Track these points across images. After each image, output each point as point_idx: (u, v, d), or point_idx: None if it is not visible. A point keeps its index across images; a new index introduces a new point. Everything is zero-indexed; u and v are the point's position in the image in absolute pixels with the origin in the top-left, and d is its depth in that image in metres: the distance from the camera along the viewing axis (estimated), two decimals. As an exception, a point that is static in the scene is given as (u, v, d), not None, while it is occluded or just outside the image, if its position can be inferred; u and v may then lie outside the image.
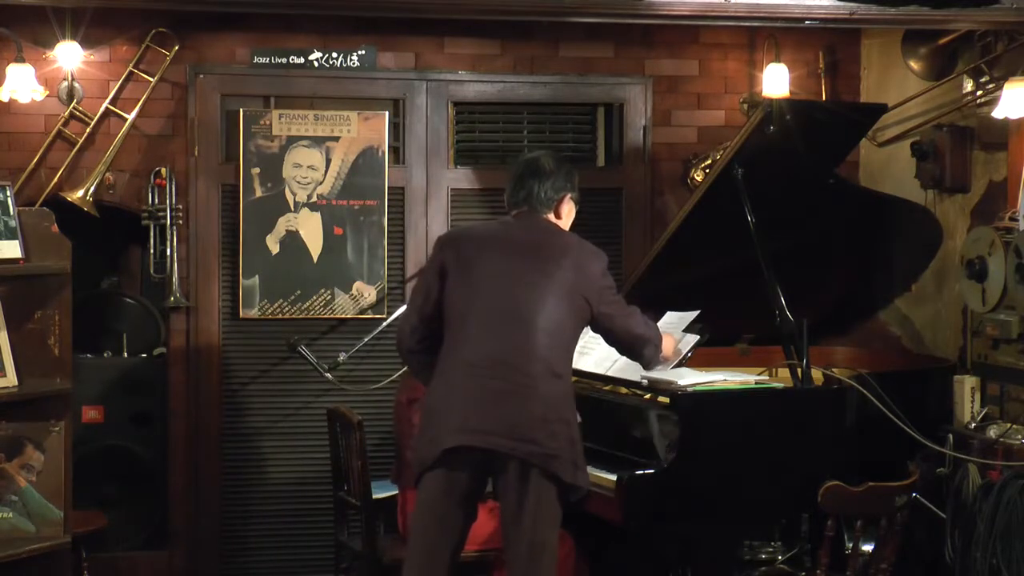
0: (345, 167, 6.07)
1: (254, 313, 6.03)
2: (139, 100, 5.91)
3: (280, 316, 6.04)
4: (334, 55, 6.07)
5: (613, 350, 4.63)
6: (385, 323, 5.98)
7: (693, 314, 4.86)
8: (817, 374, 4.87)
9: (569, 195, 4.47)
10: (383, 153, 6.09)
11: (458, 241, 4.42)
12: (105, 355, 6.12)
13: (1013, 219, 5.33)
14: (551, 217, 4.43)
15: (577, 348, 4.45)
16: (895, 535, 4.39)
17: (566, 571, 4.91)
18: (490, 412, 4.14)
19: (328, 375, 5.93)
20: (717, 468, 4.50)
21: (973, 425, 5.32)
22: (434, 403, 4.26)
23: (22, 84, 5.58)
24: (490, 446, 4.13)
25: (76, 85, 5.88)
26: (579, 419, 4.32)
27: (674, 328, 4.90)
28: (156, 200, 5.95)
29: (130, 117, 5.90)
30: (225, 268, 6.03)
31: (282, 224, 6.04)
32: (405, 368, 5.94)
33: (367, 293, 6.09)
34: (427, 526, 4.25)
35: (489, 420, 4.13)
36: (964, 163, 5.82)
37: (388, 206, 6.10)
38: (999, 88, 5.37)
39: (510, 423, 4.12)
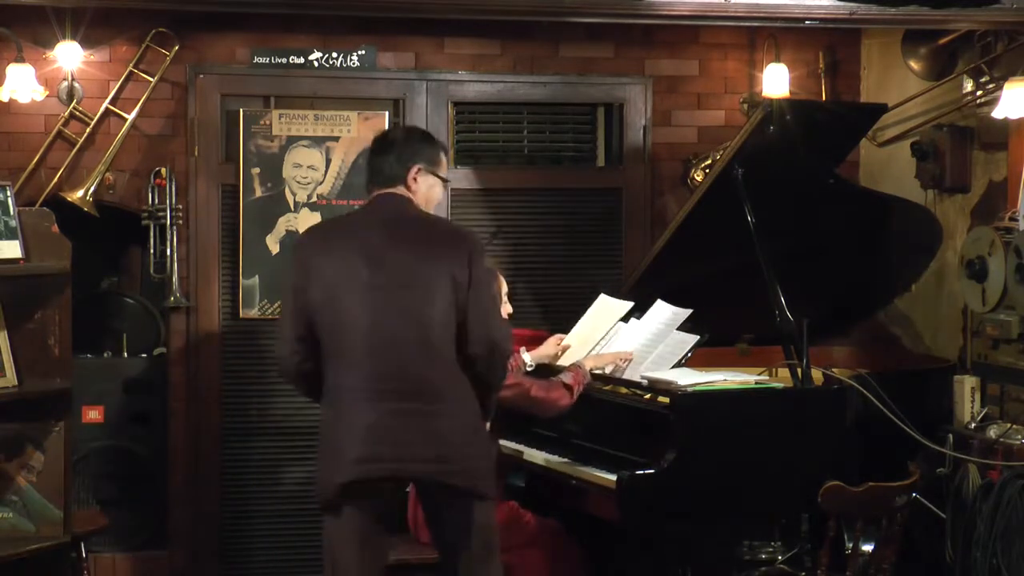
0: (345, 167, 6.07)
1: (254, 313, 6.03)
2: (139, 100, 5.91)
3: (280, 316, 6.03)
4: (334, 55, 6.07)
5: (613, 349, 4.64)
6: (385, 323, 5.97)
7: (686, 312, 4.86)
8: (817, 374, 4.87)
9: (420, 167, 4.20)
10: (383, 153, 6.08)
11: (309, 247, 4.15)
12: (105, 355, 6.12)
13: (1013, 219, 5.34)
14: (402, 192, 4.18)
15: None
16: (895, 535, 4.40)
17: (568, 571, 4.92)
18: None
19: (328, 375, 5.92)
20: (717, 468, 4.50)
21: (973, 425, 5.32)
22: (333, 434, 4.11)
23: (22, 84, 5.57)
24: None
25: (76, 85, 5.88)
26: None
27: (667, 327, 4.91)
28: (156, 200, 5.95)
29: (130, 117, 5.90)
30: (225, 268, 6.03)
31: (282, 224, 6.04)
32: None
33: (367, 293, 6.08)
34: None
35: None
36: (964, 163, 5.83)
37: (388, 206, 6.09)
38: (999, 88, 5.37)
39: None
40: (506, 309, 5.06)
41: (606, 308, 5.21)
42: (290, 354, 4.11)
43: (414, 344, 3.96)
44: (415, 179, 4.17)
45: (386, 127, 6.07)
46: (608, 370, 4.98)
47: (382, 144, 4.22)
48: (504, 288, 5.05)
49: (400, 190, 4.16)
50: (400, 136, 4.25)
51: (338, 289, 3.99)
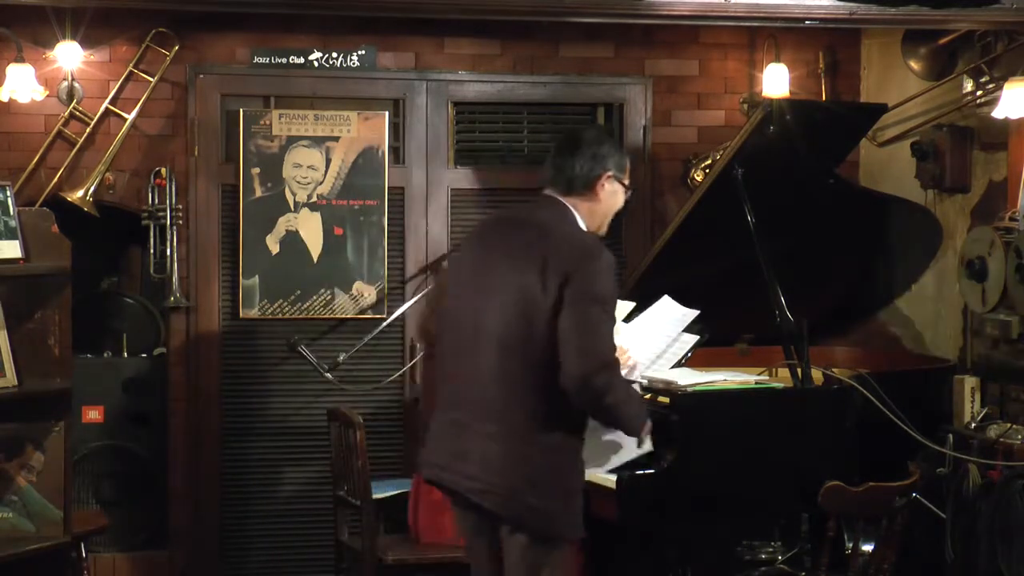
0: (345, 167, 6.07)
1: (254, 313, 6.03)
2: (139, 100, 5.91)
3: (280, 316, 6.04)
4: (334, 55, 6.07)
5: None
6: (385, 323, 5.98)
7: (694, 313, 4.85)
8: (817, 374, 4.87)
9: (610, 173, 3.89)
10: (383, 153, 6.09)
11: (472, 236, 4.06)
12: (105, 355, 6.12)
13: (1013, 219, 5.34)
14: (568, 200, 3.87)
15: None
16: (895, 535, 4.39)
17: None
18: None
19: (328, 375, 5.93)
20: (717, 468, 4.50)
21: (973, 425, 5.33)
22: None
23: (22, 84, 5.58)
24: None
25: (76, 85, 5.88)
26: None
27: (673, 327, 4.90)
28: (156, 200, 5.94)
29: (130, 117, 5.90)
30: (225, 268, 6.03)
31: (282, 224, 6.04)
32: (407, 367, 5.96)
33: (367, 293, 6.09)
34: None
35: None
36: (964, 163, 5.82)
37: (388, 206, 6.10)
38: (999, 88, 5.37)
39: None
40: None
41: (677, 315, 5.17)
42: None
43: (487, 356, 3.72)
44: (602, 185, 3.88)
45: (386, 127, 6.08)
46: None
47: (570, 143, 3.91)
48: None
49: (569, 199, 3.86)
50: (591, 137, 3.92)
51: (454, 287, 3.92)
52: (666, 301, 4.90)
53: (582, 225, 3.85)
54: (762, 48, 6.36)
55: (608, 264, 3.72)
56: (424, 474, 3.93)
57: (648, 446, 3.96)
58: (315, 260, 6.06)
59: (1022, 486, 4.95)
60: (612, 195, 3.91)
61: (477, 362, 3.73)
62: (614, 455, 3.96)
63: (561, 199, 3.86)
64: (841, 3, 5.15)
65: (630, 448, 3.94)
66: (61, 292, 4.67)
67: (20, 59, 5.58)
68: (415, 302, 5.99)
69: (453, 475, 3.78)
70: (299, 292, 6.04)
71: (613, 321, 3.72)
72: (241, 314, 6.02)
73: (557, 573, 3.76)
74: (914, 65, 6.06)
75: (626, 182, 3.94)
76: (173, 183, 5.95)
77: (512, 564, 3.77)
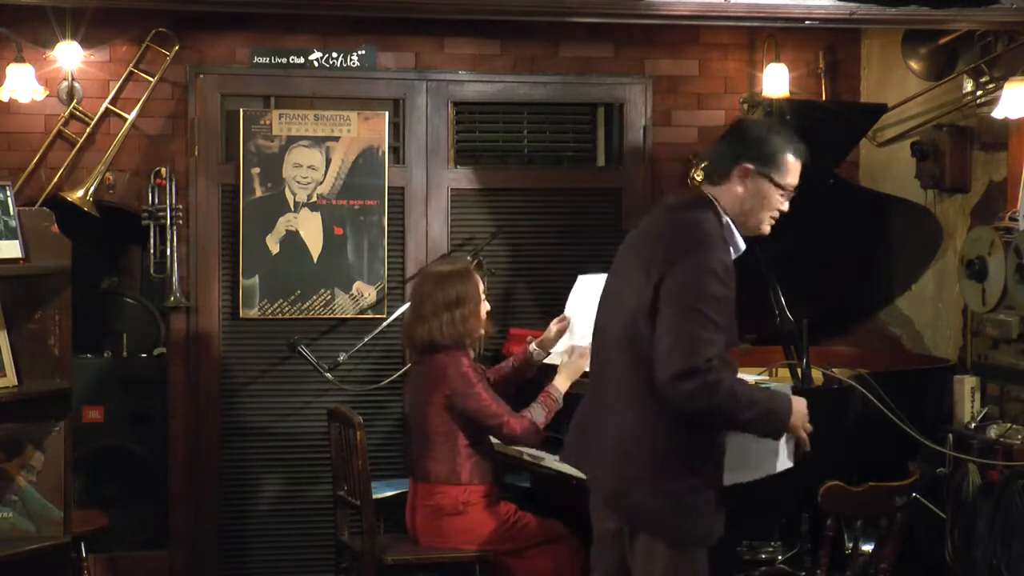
0: (345, 167, 6.07)
1: (254, 313, 6.03)
2: (139, 100, 5.91)
3: (280, 316, 6.04)
4: (334, 55, 6.07)
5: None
6: (385, 323, 5.98)
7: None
8: (817, 374, 4.87)
9: (748, 166, 3.69)
10: (383, 153, 6.09)
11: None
12: (105, 355, 6.12)
13: (1013, 219, 5.34)
14: (709, 192, 3.72)
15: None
16: (895, 535, 4.39)
17: (569, 571, 4.92)
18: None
19: (328, 375, 5.93)
20: (717, 468, 4.49)
21: (973, 425, 5.32)
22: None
23: (22, 84, 5.58)
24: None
25: (76, 85, 5.88)
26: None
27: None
28: (156, 200, 5.95)
29: (130, 117, 5.90)
30: (225, 268, 6.03)
31: (282, 224, 6.04)
32: (407, 367, 5.95)
33: (367, 293, 6.09)
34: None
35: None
36: (964, 163, 5.82)
37: (388, 206, 6.10)
38: (999, 88, 5.37)
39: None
40: (484, 308, 5.06)
41: (590, 286, 5.21)
42: None
43: (614, 349, 3.73)
44: (741, 179, 3.70)
45: (386, 127, 6.08)
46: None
47: (729, 130, 3.83)
48: (481, 286, 5.05)
49: (713, 189, 3.71)
50: (745, 124, 3.82)
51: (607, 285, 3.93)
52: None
53: (724, 218, 3.70)
54: (762, 48, 6.36)
55: (712, 261, 3.58)
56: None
57: (786, 462, 3.84)
58: (315, 260, 6.06)
59: (1022, 486, 4.95)
60: (757, 192, 3.72)
61: (608, 355, 3.77)
62: (753, 466, 3.86)
63: (705, 189, 3.76)
64: (841, 3, 5.15)
65: (769, 461, 3.83)
66: (61, 292, 4.67)
67: (20, 59, 5.58)
68: (408, 309, 5.98)
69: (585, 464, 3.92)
70: (299, 292, 6.04)
71: (713, 324, 3.55)
72: (241, 314, 6.02)
73: None
74: (914, 65, 6.06)
75: (778, 179, 3.74)
76: (173, 183, 5.95)
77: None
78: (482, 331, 5.07)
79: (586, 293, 5.23)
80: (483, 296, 5.05)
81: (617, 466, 3.66)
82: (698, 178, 6.20)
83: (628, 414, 3.65)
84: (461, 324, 4.93)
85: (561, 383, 5.00)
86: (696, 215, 3.67)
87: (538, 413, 4.93)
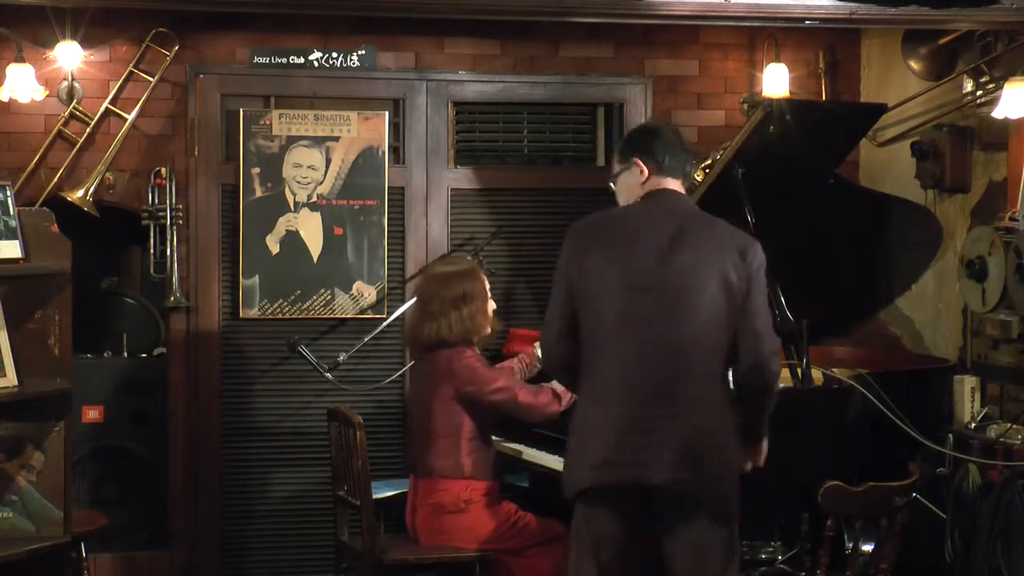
0: (345, 167, 6.07)
1: (254, 313, 6.03)
2: (139, 100, 5.91)
3: (280, 316, 6.04)
4: (334, 55, 6.07)
5: None
6: (385, 323, 5.98)
7: None
8: (817, 374, 4.87)
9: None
10: (383, 153, 6.09)
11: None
12: (105, 355, 6.12)
13: (1013, 219, 5.34)
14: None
15: None
16: (895, 535, 4.39)
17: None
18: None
19: (328, 375, 5.93)
20: (717, 468, 4.49)
21: (973, 425, 5.33)
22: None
23: (22, 84, 5.58)
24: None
25: (76, 85, 5.88)
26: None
27: None
28: (156, 200, 5.95)
29: (130, 117, 5.90)
30: (225, 268, 6.03)
31: (282, 224, 6.04)
32: (407, 367, 5.95)
33: (367, 293, 6.09)
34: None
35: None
36: (964, 163, 5.82)
37: (388, 206, 6.10)
38: (999, 88, 5.37)
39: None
40: (490, 306, 5.07)
41: None
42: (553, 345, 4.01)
43: (677, 348, 3.83)
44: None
45: (386, 127, 6.07)
46: None
47: (676, 134, 4.13)
48: (486, 284, 5.06)
49: (679, 184, 4.06)
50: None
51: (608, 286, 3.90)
52: None
53: None
54: (762, 48, 6.36)
55: None
56: (606, 476, 3.91)
57: None
58: (315, 260, 6.06)
59: (1022, 486, 4.95)
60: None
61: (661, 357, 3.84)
62: None
63: (678, 186, 4.05)
64: (841, 3, 5.15)
65: None
66: (61, 292, 4.66)
67: (20, 59, 5.58)
68: (415, 302, 5.98)
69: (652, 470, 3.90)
70: (299, 292, 6.04)
71: None
72: (241, 314, 6.02)
73: None
74: (914, 65, 6.06)
75: None
76: (173, 183, 5.95)
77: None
78: (489, 329, 5.08)
79: None
80: (489, 294, 5.07)
81: (701, 462, 3.82)
82: (698, 178, 6.20)
83: (705, 408, 3.84)
84: (469, 321, 4.95)
85: None
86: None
87: (558, 384, 4.92)
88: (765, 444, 4.06)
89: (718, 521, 3.88)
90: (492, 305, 5.09)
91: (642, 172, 4.04)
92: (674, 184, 4.03)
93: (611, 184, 4.15)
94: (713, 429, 3.83)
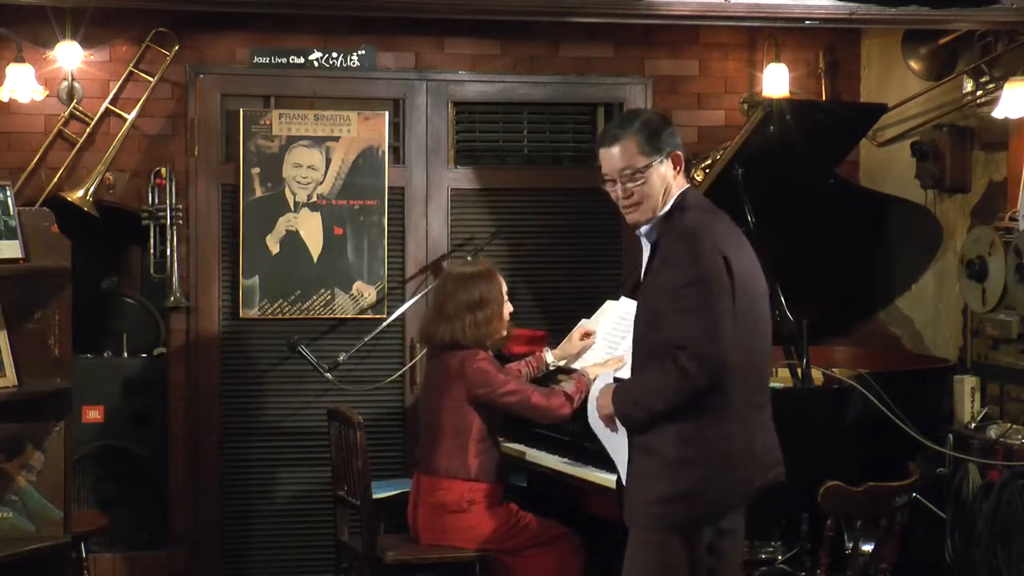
0: (345, 167, 6.07)
1: (254, 313, 6.03)
2: (139, 100, 5.91)
3: (280, 316, 6.04)
4: (334, 55, 6.07)
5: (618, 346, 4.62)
6: (385, 323, 5.98)
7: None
8: (817, 374, 4.87)
9: None
10: (383, 153, 6.09)
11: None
12: (105, 355, 6.12)
13: (1013, 219, 5.34)
14: None
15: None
16: (895, 535, 4.39)
17: (569, 571, 4.92)
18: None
19: (328, 375, 5.93)
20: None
21: (973, 425, 5.33)
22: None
23: (22, 84, 5.58)
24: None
25: (76, 85, 5.88)
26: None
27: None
28: (156, 200, 5.95)
29: (130, 117, 5.90)
30: (225, 268, 6.03)
31: (282, 224, 6.04)
32: (407, 367, 5.95)
33: (367, 293, 6.09)
34: None
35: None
36: (964, 163, 5.82)
37: (388, 206, 6.10)
38: (999, 88, 5.37)
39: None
40: (507, 309, 5.08)
41: (616, 309, 5.18)
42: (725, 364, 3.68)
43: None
44: None
45: (386, 127, 6.07)
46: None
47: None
48: (504, 288, 5.07)
49: None
50: None
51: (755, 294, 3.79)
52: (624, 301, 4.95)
53: None
54: (762, 48, 6.36)
55: None
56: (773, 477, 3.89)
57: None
58: (315, 260, 6.06)
59: (1022, 486, 4.95)
60: None
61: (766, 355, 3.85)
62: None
63: None
64: (841, 3, 5.15)
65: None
66: (61, 292, 4.67)
67: (20, 59, 5.58)
68: (415, 302, 5.99)
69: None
70: (299, 292, 6.04)
71: None
72: (241, 314, 6.02)
73: None
74: (914, 65, 6.06)
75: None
76: (173, 183, 5.95)
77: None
78: (504, 332, 5.08)
79: (612, 316, 5.18)
80: (506, 297, 5.07)
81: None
82: (698, 178, 6.20)
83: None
84: (484, 326, 4.96)
85: (592, 370, 4.95)
86: None
87: (568, 385, 4.92)
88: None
89: None
90: (509, 308, 5.08)
91: (678, 166, 3.81)
92: None
93: (634, 177, 3.76)
94: None
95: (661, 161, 3.75)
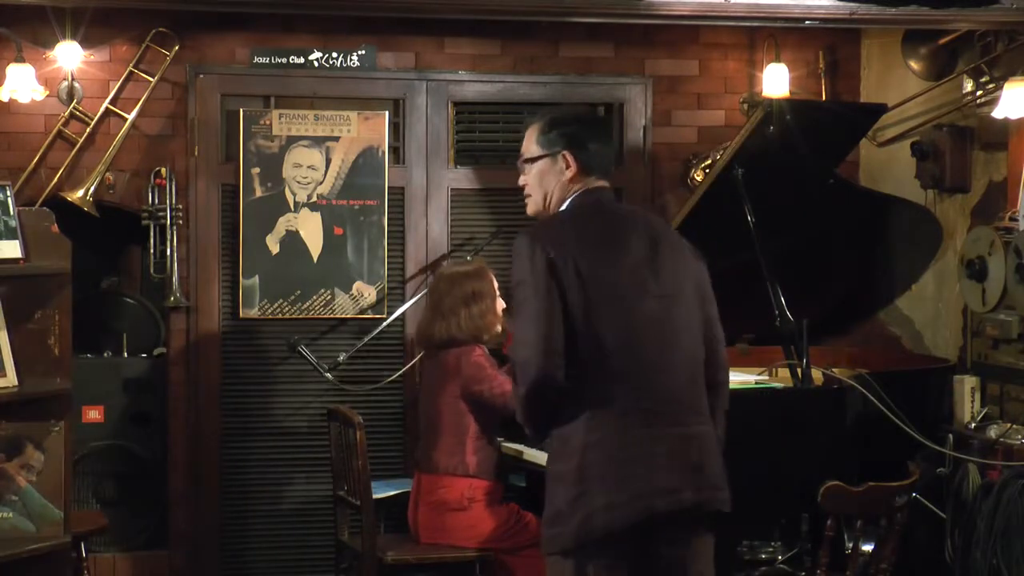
0: (345, 167, 6.07)
1: (254, 313, 6.03)
2: (139, 100, 5.91)
3: (280, 316, 6.04)
4: (334, 55, 6.07)
5: None
6: (385, 323, 5.98)
7: None
8: (817, 374, 4.87)
9: None
10: (383, 153, 6.09)
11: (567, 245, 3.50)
12: (105, 355, 6.12)
13: (1013, 219, 5.34)
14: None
15: None
16: (895, 535, 4.39)
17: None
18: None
19: (328, 375, 5.93)
20: (717, 468, 4.49)
21: (973, 425, 5.33)
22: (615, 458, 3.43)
23: (22, 84, 5.58)
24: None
25: (76, 85, 5.88)
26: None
27: None
28: (156, 200, 5.94)
29: (130, 117, 5.90)
30: (225, 268, 6.03)
31: (282, 224, 6.04)
32: (407, 367, 5.95)
33: (367, 293, 6.09)
34: None
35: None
36: (964, 163, 5.82)
37: (388, 206, 6.10)
38: (999, 88, 5.37)
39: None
40: (500, 305, 5.10)
41: None
42: (555, 368, 3.41)
43: (683, 360, 3.53)
44: None
45: (386, 127, 6.07)
46: None
47: (605, 129, 3.78)
48: (495, 284, 5.09)
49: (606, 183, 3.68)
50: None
51: (615, 296, 3.50)
52: None
53: None
54: (762, 48, 6.35)
55: None
56: (669, 503, 3.45)
57: None
58: (315, 260, 6.06)
59: (1022, 486, 4.95)
60: None
61: (672, 362, 3.51)
62: None
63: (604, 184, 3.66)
64: (841, 3, 5.15)
65: None
66: (61, 292, 4.66)
67: (20, 59, 5.58)
68: (415, 302, 5.99)
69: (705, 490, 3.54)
70: (299, 292, 6.04)
71: None
72: (241, 314, 6.02)
73: None
74: (914, 65, 6.06)
75: None
76: (173, 183, 5.95)
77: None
78: (499, 327, 5.12)
79: None
80: (498, 293, 5.09)
81: (722, 472, 3.58)
82: (698, 178, 6.21)
83: (707, 417, 3.59)
84: (480, 319, 5.02)
85: None
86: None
87: None
88: None
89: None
90: (502, 304, 5.11)
91: (568, 167, 3.61)
92: (605, 183, 3.66)
93: (522, 166, 3.74)
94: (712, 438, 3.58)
95: (550, 157, 3.64)
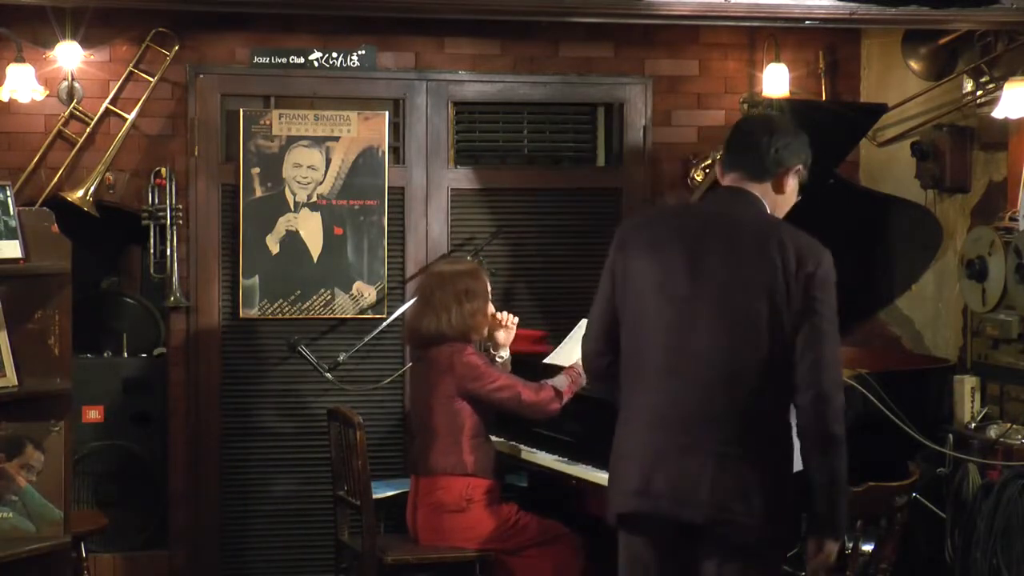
0: (345, 167, 6.07)
1: (254, 313, 6.03)
2: (139, 100, 5.91)
3: (280, 316, 6.04)
4: (334, 55, 6.07)
5: None
6: (385, 323, 5.98)
7: None
8: (817, 374, 4.85)
9: (799, 167, 3.62)
10: (383, 153, 6.09)
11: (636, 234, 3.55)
12: (105, 355, 6.12)
13: (1013, 219, 5.34)
14: (757, 190, 3.58)
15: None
16: (895, 535, 4.39)
17: (569, 571, 4.92)
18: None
19: (328, 375, 5.93)
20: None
21: (973, 425, 5.33)
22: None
23: (22, 84, 5.57)
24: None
25: (76, 85, 5.88)
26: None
27: None
28: (156, 200, 5.95)
29: (130, 117, 5.90)
30: (225, 268, 6.03)
31: (282, 224, 6.04)
32: (407, 367, 5.95)
33: (367, 293, 6.09)
34: None
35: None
36: (964, 163, 5.82)
37: (388, 206, 6.10)
38: (999, 88, 5.37)
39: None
40: (490, 308, 5.09)
41: None
42: (596, 354, 3.60)
43: (720, 368, 3.41)
44: (790, 179, 3.64)
45: (386, 127, 6.07)
46: None
47: (761, 127, 3.64)
48: (488, 286, 5.07)
49: (754, 186, 3.58)
50: (784, 124, 3.68)
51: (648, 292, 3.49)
52: None
53: None
54: (762, 48, 6.36)
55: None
56: (638, 505, 3.52)
57: None
58: (315, 260, 6.06)
59: (1022, 486, 4.95)
60: (793, 191, 3.68)
61: (705, 376, 3.44)
62: None
63: (747, 186, 3.58)
64: (841, 3, 5.15)
65: None
66: (61, 292, 4.66)
67: (20, 59, 5.58)
68: (415, 302, 5.99)
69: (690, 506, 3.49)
70: (299, 292, 6.04)
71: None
72: (241, 314, 6.02)
73: None
74: (914, 65, 6.06)
75: (804, 179, 3.69)
76: (173, 183, 5.95)
77: None
78: (487, 331, 5.11)
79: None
80: (490, 297, 5.08)
81: (763, 499, 3.60)
82: (698, 178, 6.21)
83: (770, 440, 3.53)
84: (470, 317, 4.99)
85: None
86: (773, 218, 3.63)
87: (560, 381, 4.94)
88: (831, 547, 3.65)
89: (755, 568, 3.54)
90: (491, 308, 5.10)
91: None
92: (737, 181, 3.59)
93: None
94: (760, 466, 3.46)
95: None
